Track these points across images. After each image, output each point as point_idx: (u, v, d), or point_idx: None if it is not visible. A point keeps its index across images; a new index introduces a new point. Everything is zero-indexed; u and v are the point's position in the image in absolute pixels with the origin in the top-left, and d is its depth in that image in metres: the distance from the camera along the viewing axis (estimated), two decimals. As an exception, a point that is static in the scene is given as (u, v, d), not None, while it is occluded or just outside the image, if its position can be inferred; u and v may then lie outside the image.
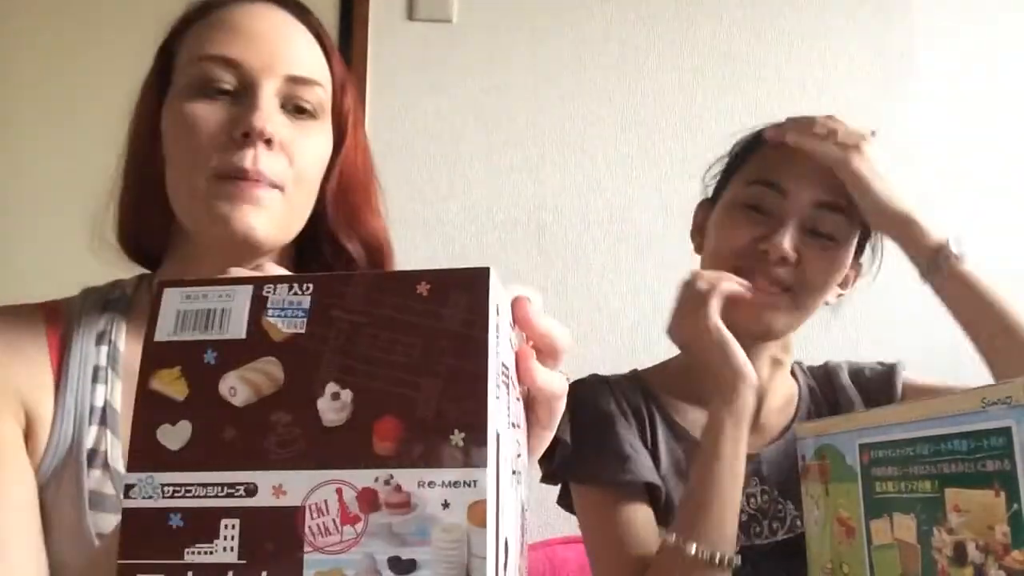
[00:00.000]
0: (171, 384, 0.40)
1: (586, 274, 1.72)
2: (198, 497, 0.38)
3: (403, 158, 1.68)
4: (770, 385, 0.91)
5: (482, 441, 0.37)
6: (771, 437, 0.90)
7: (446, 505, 0.37)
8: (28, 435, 0.64)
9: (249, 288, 0.41)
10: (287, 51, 0.67)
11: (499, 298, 0.41)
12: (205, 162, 0.64)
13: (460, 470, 0.37)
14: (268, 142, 0.64)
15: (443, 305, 0.40)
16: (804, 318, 0.87)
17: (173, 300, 0.42)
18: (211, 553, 0.37)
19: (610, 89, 1.79)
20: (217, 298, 0.41)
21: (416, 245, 1.66)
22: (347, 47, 1.70)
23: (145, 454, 0.39)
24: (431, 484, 0.37)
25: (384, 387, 0.39)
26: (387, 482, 0.37)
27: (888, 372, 0.94)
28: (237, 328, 0.41)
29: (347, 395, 0.39)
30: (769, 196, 0.84)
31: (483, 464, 0.37)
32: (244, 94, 0.65)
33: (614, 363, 1.57)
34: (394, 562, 0.36)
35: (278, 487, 0.38)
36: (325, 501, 0.37)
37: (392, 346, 0.39)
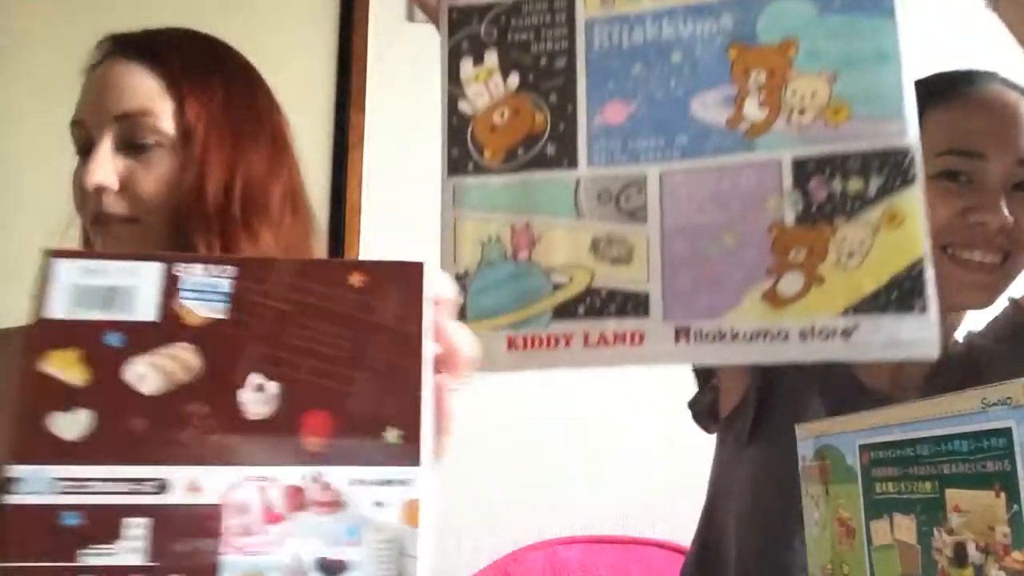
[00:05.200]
0: (67, 367, 0.36)
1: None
2: (99, 493, 0.35)
3: (403, 159, 1.62)
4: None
5: (417, 439, 0.37)
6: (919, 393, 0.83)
7: (379, 504, 0.36)
8: None
9: (158, 266, 0.38)
10: (114, 94, 0.72)
11: (438, 289, 0.40)
12: (82, 215, 0.74)
13: (394, 468, 0.36)
14: (104, 190, 0.70)
15: (377, 298, 0.38)
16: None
17: (66, 273, 0.37)
18: (112, 555, 0.34)
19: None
20: (120, 274, 0.38)
21: (417, 245, 1.57)
22: (347, 47, 1.68)
23: (33, 444, 0.35)
24: (363, 482, 0.36)
25: (313, 380, 0.37)
26: (316, 480, 0.36)
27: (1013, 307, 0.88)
28: (146, 309, 0.37)
29: (272, 387, 0.36)
30: (965, 163, 0.78)
31: (418, 462, 0.36)
32: (89, 150, 0.72)
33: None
34: (322, 563, 0.35)
35: (193, 483, 0.35)
36: (246, 499, 0.35)
37: (322, 337, 0.37)
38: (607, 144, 0.63)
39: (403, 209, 1.58)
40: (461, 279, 0.64)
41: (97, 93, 0.73)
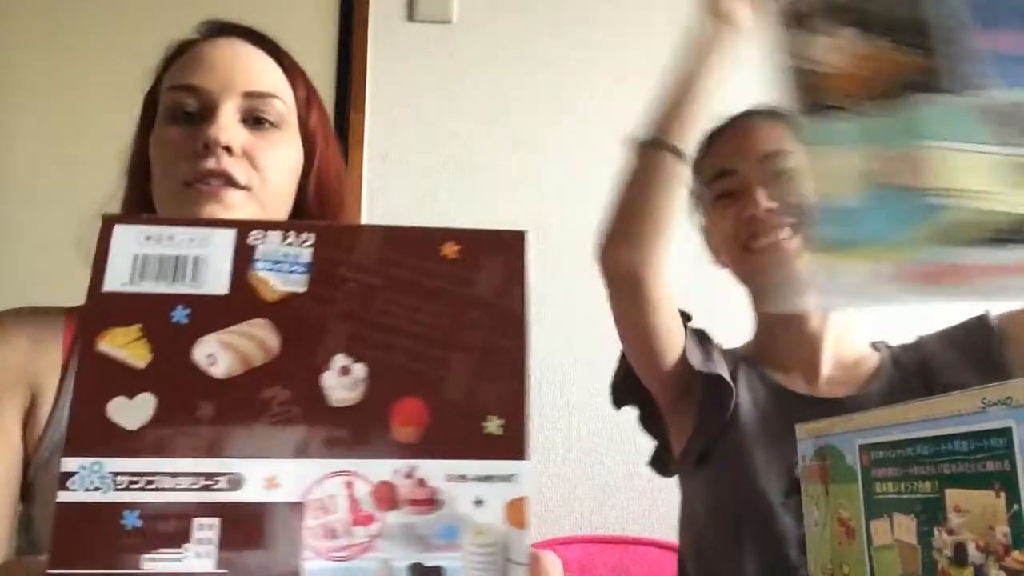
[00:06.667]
0: (128, 346, 0.32)
1: (591, 274, 1.69)
2: (164, 490, 0.30)
3: (403, 158, 1.63)
4: (823, 333, 0.94)
5: (522, 428, 0.32)
6: (847, 392, 0.93)
7: (479, 503, 0.31)
8: (31, 409, 0.69)
9: (231, 233, 0.34)
10: (243, 71, 0.75)
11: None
12: (176, 174, 0.70)
13: (496, 462, 0.32)
14: (228, 150, 0.70)
15: (474, 270, 0.34)
16: None
17: (127, 240, 0.33)
18: (179, 560, 0.30)
19: (610, 89, 1.77)
20: (188, 242, 0.34)
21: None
22: (347, 47, 1.69)
23: (91, 434, 0.31)
24: (462, 478, 0.31)
25: (405, 362, 0.32)
26: (408, 475, 0.31)
27: (978, 320, 0.94)
28: (216, 281, 0.33)
29: (360, 369, 0.32)
30: (731, 183, 0.94)
31: (523, 455, 0.32)
32: (207, 114, 0.73)
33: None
34: (416, 570, 0.31)
35: (271, 479, 0.31)
36: (332, 497, 0.31)
37: (414, 314, 0.33)
38: (1003, 69, 0.57)
39: (403, 209, 1.60)
40: (834, 211, 0.56)
41: (222, 66, 0.75)
